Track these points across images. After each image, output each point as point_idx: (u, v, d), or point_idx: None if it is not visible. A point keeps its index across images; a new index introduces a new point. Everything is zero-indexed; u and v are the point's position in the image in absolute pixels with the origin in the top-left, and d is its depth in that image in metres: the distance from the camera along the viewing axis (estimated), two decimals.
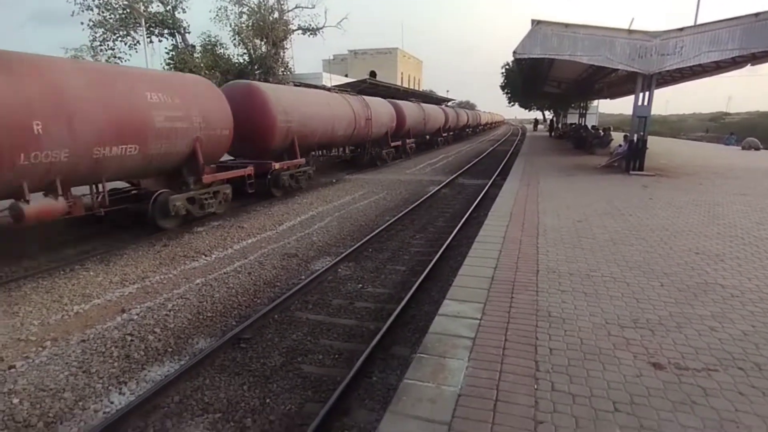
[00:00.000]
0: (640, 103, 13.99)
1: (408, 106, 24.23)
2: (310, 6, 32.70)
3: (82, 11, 25.22)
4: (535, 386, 2.91)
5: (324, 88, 17.87)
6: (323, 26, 32.28)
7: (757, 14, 11.54)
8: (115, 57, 26.23)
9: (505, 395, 2.81)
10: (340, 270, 7.09)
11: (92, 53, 25.74)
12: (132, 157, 7.83)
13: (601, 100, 44.54)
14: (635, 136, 14.26)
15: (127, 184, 9.81)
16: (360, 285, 6.55)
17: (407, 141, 23.98)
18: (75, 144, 6.81)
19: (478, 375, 3.02)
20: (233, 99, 10.81)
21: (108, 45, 26.13)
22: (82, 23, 25.60)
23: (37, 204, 6.61)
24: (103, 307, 5.57)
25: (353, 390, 4.04)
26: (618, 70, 16.52)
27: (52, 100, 6.52)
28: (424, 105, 28.34)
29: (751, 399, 2.81)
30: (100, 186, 7.83)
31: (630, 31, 13.23)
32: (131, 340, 4.80)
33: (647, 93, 13.85)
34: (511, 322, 3.83)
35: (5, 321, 5.17)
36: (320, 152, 18.30)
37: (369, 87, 26.20)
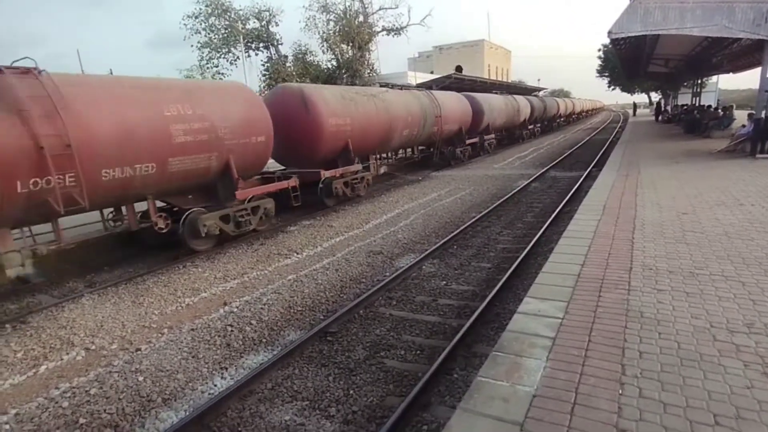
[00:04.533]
0: None
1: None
2: (394, 6, 33.21)
3: (192, 35, 28.19)
4: (620, 391, 2.71)
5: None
6: (407, 25, 32.63)
7: None
8: (219, 73, 28.92)
9: (584, 399, 2.66)
10: (424, 267, 7.15)
11: (200, 71, 28.63)
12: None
13: (721, 76, 39.30)
14: (763, 113, 12.40)
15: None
16: (444, 282, 6.56)
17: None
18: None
19: (556, 376, 2.89)
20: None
21: (213, 63, 28.89)
22: (192, 46, 28.59)
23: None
24: (209, 300, 6.23)
25: (434, 386, 4.08)
26: (740, 39, 14.48)
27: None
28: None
29: None
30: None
31: None
32: (231, 331, 5.31)
33: None
34: (596, 322, 3.59)
35: (134, 310, 6.00)
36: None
37: (454, 82, 25.87)
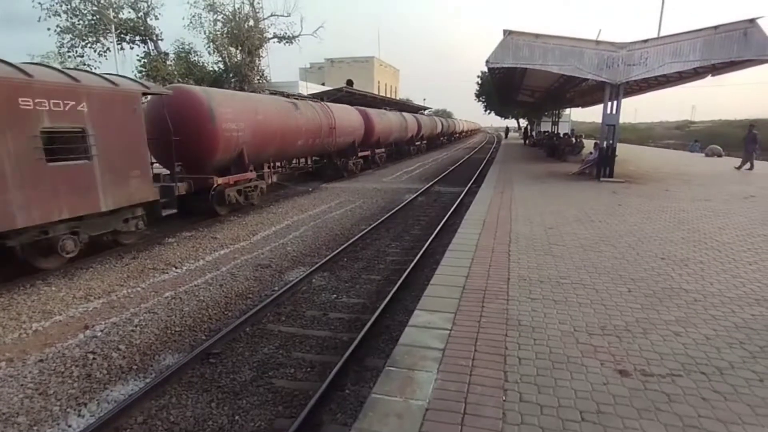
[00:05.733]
0: (608, 111, 14.36)
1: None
2: (286, 14, 32.58)
3: (49, 17, 24.54)
4: (504, 398, 2.90)
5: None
6: (299, 34, 32.16)
7: (716, 27, 12.04)
8: (84, 64, 25.55)
9: (473, 408, 2.79)
10: (314, 280, 7.02)
11: (60, 59, 25.01)
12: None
13: (573, 109, 45.73)
14: (605, 143, 14.64)
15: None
16: (334, 295, 6.49)
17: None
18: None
19: (446, 387, 3.00)
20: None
21: (76, 51, 25.46)
22: (49, 29, 24.85)
23: None
24: (65, 324, 5.35)
25: (325, 404, 3.97)
26: (588, 79, 16.98)
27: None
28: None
29: (713, 404, 2.87)
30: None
31: (597, 42, 13.60)
32: (93, 359, 4.62)
33: (615, 102, 14.24)
34: (481, 331, 3.83)
35: None
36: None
37: (345, 95, 26.22)
